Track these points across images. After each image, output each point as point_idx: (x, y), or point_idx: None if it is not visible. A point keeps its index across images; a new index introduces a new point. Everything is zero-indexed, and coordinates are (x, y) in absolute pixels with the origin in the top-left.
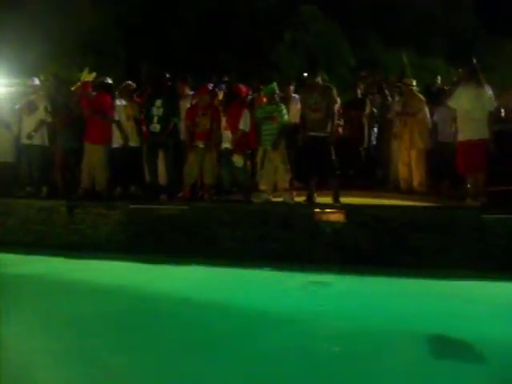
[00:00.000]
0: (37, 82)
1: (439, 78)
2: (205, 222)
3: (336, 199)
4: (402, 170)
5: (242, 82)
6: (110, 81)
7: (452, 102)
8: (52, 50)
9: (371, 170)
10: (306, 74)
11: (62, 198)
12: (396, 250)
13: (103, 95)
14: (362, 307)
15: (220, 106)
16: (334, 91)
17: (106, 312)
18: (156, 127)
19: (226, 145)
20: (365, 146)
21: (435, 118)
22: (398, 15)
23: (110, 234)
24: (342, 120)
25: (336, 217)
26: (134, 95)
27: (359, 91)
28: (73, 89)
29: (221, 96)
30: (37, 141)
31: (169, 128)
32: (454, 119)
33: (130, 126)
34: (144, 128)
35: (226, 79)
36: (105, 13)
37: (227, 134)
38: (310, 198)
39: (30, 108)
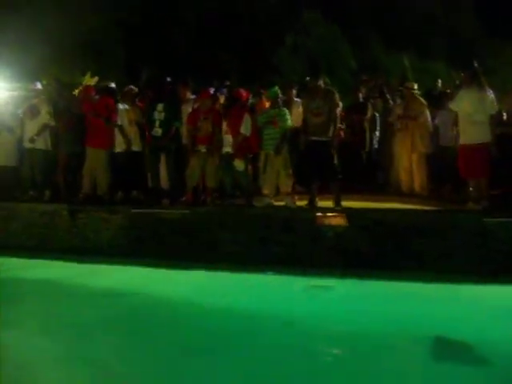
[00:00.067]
0: (39, 86)
1: (440, 81)
2: (207, 225)
3: (337, 203)
4: (403, 174)
5: (244, 86)
6: (113, 85)
7: (454, 105)
8: (53, 53)
9: (373, 174)
10: (308, 78)
11: (64, 202)
12: (398, 254)
13: (106, 99)
14: (363, 311)
15: (221, 110)
16: (336, 95)
17: (107, 316)
18: (158, 131)
19: (227, 149)
20: (366, 149)
21: (436, 121)
22: (398, 17)
23: (112, 238)
24: (344, 124)
25: (338, 221)
26: (136, 100)
27: (361, 95)
28: (75, 93)
29: (222, 100)
30: (39, 145)
31: (171, 132)
32: (456, 123)
33: (133, 131)
34: (146, 132)
35: (228, 83)
36: (105, 14)
37: (228, 139)
38: (311, 202)
39: (33, 112)
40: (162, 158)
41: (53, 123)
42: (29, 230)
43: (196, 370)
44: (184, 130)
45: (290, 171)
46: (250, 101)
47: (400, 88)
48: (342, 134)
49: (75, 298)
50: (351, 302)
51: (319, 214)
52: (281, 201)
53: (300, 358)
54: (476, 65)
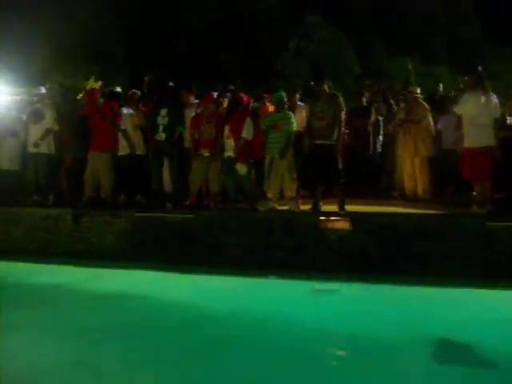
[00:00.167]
0: (43, 90)
1: (441, 85)
2: (210, 229)
3: (341, 207)
4: (406, 178)
5: (247, 91)
6: (119, 89)
7: (458, 109)
8: (53, 55)
9: (376, 178)
10: (312, 83)
11: (67, 206)
12: (401, 257)
13: (111, 103)
14: (367, 314)
15: (224, 114)
16: (341, 99)
17: (110, 320)
18: (161, 136)
19: (229, 153)
20: (370, 153)
21: (439, 125)
22: (398, 19)
23: (115, 242)
24: (347, 128)
25: (341, 224)
26: (140, 104)
27: (364, 99)
28: (79, 97)
29: (225, 104)
30: (43, 149)
31: (174, 137)
32: (458, 126)
33: (136, 136)
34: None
35: (232, 87)
36: (105, 15)
37: (230, 143)
38: (315, 206)
39: (37, 116)
40: (166, 162)
41: (57, 127)
42: (32, 234)
43: (200, 373)
44: (187, 134)
45: (295, 175)
46: (252, 105)
47: (403, 92)
48: (345, 138)
49: (79, 302)
50: (355, 305)
51: (323, 217)
52: (284, 205)
53: (305, 362)
54: (480, 69)
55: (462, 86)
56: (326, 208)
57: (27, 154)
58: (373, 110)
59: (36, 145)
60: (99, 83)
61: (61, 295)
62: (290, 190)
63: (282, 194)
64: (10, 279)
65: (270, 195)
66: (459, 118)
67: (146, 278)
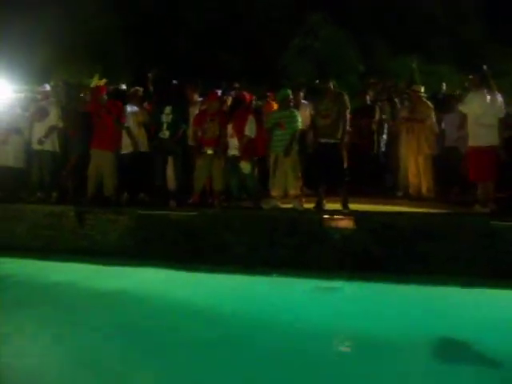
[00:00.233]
0: (47, 87)
1: (444, 84)
2: (213, 227)
3: (345, 206)
4: (410, 177)
5: (251, 89)
6: (124, 87)
7: (464, 107)
8: (55, 53)
9: (380, 177)
10: (317, 81)
11: (71, 203)
12: (405, 256)
13: (116, 100)
14: (370, 313)
15: (227, 112)
16: (346, 97)
17: (112, 318)
18: (165, 134)
19: (233, 152)
20: (374, 152)
21: (443, 125)
22: (400, 18)
23: (119, 240)
24: (351, 126)
25: (345, 223)
26: (145, 103)
27: (368, 98)
28: (85, 94)
29: (229, 102)
30: (48, 146)
31: (178, 135)
32: (462, 125)
33: (140, 134)
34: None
35: (237, 85)
36: (105, 14)
37: (234, 141)
38: (319, 205)
39: (41, 114)
40: (170, 160)
41: (61, 125)
42: (35, 232)
43: (203, 371)
44: (191, 132)
45: (299, 173)
46: (255, 103)
47: (407, 91)
48: (348, 136)
49: (81, 300)
50: (358, 304)
51: (326, 216)
52: (288, 203)
53: (308, 359)
54: (485, 68)
55: (466, 84)
56: (329, 207)
57: (31, 151)
58: (377, 109)
59: (40, 142)
60: (103, 80)
61: (63, 293)
62: (294, 188)
63: (286, 192)
64: (12, 276)
65: (274, 193)
66: (464, 117)
67: (149, 275)
